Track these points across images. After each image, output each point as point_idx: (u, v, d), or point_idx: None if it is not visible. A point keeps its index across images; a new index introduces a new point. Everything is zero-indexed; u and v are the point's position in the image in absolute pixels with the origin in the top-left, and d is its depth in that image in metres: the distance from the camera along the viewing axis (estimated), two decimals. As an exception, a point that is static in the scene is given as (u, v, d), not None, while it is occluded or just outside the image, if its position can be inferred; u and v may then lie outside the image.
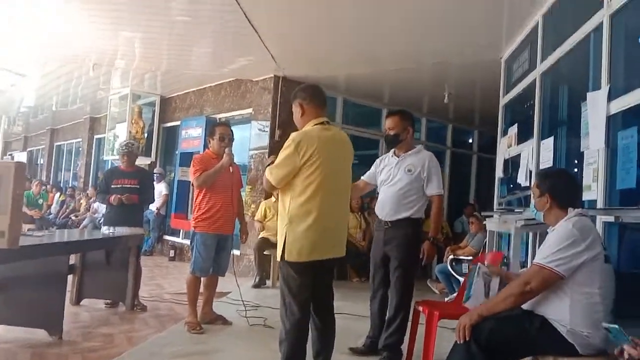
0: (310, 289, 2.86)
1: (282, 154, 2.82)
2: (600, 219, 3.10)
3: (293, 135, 2.85)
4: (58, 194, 12.86)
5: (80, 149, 13.72)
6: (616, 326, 1.96)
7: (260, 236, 6.90)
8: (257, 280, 6.60)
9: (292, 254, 2.79)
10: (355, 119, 8.91)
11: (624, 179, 3.00)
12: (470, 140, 10.56)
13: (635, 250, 3.17)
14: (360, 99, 8.59)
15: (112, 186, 5.11)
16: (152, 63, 7.81)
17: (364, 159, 9.40)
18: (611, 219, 2.98)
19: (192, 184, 4.43)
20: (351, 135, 8.85)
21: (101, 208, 8.33)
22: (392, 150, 3.86)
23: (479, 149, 10.32)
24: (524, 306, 2.33)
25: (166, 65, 7.86)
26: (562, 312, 2.21)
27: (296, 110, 3.01)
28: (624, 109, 3.07)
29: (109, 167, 8.49)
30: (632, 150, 2.94)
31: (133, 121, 9.88)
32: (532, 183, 2.65)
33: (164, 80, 9.05)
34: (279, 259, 2.85)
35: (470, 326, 2.22)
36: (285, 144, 2.83)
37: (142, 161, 9.14)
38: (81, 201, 11.78)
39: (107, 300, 5.09)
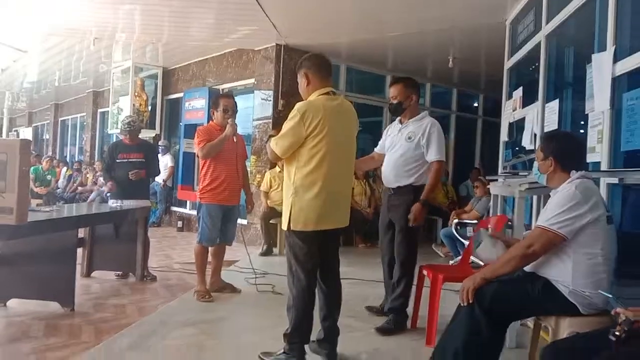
0: (316, 256, 2.90)
1: (288, 124, 2.82)
2: (604, 181, 3.10)
3: (298, 105, 2.84)
4: (65, 168, 12.95)
5: (85, 123, 13.74)
6: (611, 296, 2.02)
7: (265, 208, 6.96)
8: (264, 248, 6.69)
9: (299, 224, 2.82)
10: (359, 86, 8.84)
11: (628, 141, 2.98)
12: (476, 105, 10.47)
13: (638, 211, 3.18)
14: (363, 66, 8.49)
15: (117, 160, 5.15)
16: (153, 35, 7.74)
17: (368, 126, 9.39)
18: (615, 180, 2.98)
19: (197, 155, 4.45)
20: (355, 102, 8.82)
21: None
22: (398, 118, 3.86)
23: (485, 113, 10.25)
24: (527, 268, 2.35)
25: (167, 36, 7.79)
26: (564, 274, 2.23)
27: (301, 80, 3.00)
28: (629, 70, 3.03)
29: (114, 140, 8.52)
30: (637, 112, 2.91)
31: (136, 94, 9.86)
32: (537, 146, 2.64)
33: (165, 52, 8.98)
34: (285, 228, 2.88)
35: (474, 289, 2.25)
36: (291, 114, 2.82)
37: (146, 134, 9.17)
38: (87, 175, 11.86)
39: (118, 272, 5.19)
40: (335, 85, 8.18)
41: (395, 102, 3.77)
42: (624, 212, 3.23)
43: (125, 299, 4.37)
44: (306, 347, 2.92)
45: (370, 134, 9.26)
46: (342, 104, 3.02)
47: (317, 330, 3.00)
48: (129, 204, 5.02)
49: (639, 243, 3.10)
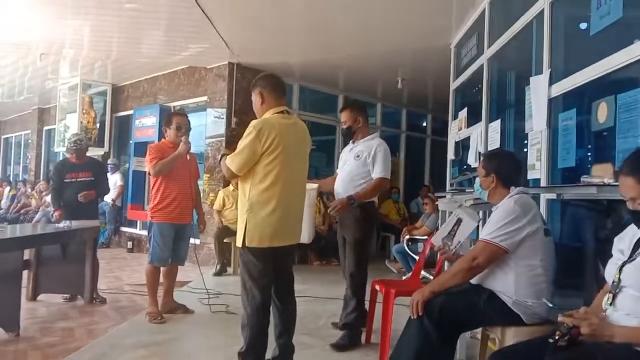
0: (270, 274, 2.92)
1: (243, 141, 2.84)
2: (544, 197, 3.28)
3: (254, 122, 2.88)
4: (8, 188, 12.43)
5: (30, 141, 13.26)
6: (551, 305, 2.17)
7: (219, 225, 6.91)
8: (218, 268, 6.62)
9: (253, 240, 2.83)
10: (312, 105, 8.96)
11: (564, 159, 3.17)
12: (425, 124, 10.80)
13: (575, 225, 3.38)
14: (316, 86, 8.64)
15: (65, 180, 5.01)
16: (102, 51, 7.61)
17: (322, 144, 9.51)
18: (553, 196, 3.15)
19: (148, 174, 4.39)
20: (308, 121, 8.99)
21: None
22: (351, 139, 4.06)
23: (433, 132, 10.58)
24: (473, 281, 2.46)
25: (117, 53, 7.68)
26: (507, 285, 2.35)
27: (256, 99, 3.04)
28: (564, 92, 3.24)
29: (60, 159, 8.27)
30: (571, 132, 3.11)
31: (84, 111, 9.63)
32: (480, 162, 2.79)
33: (115, 68, 8.84)
34: (239, 245, 2.89)
35: (423, 302, 2.33)
36: (246, 132, 2.85)
37: (95, 152, 8.96)
38: (33, 195, 11.42)
39: (65, 295, 5.02)
40: (289, 104, 8.21)
41: (345, 126, 4.00)
42: (563, 226, 3.42)
43: (73, 323, 4.23)
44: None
45: (324, 152, 9.39)
46: (296, 123, 3.09)
47: (272, 348, 3.01)
48: (76, 224, 4.88)
49: (577, 255, 3.29)
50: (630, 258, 1.77)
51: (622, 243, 1.87)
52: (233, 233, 6.10)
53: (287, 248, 3.01)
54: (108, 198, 9.19)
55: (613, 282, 1.81)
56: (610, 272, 1.85)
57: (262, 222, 2.83)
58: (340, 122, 4.24)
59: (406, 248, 6.20)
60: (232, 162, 2.87)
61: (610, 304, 1.79)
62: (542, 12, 3.53)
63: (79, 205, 4.94)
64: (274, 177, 2.83)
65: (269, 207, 2.83)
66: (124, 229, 9.58)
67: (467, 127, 5.19)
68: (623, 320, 1.73)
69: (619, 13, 2.62)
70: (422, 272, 3.98)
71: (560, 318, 1.82)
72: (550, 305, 2.16)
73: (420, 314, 2.33)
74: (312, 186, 3.74)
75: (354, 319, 3.77)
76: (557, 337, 1.73)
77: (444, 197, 4.98)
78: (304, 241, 3.80)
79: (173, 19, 5.84)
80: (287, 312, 3.06)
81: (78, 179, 5.00)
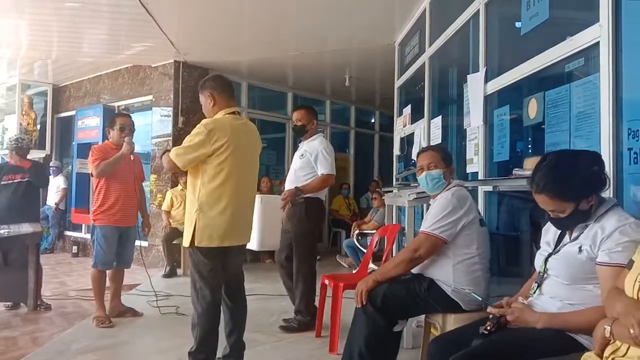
0: (220, 272, 2.93)
1: (193, 138, 2.83)
2: (481, 189, 3.44)
3: (205, 121, 2.89)
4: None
5: (-36, 144, 12.63)
6: (480, 298, 2.33)
7: (167, 227, 6.82)
8: (167, 270, 6.54)
9: (203, 240, 2.83)
10: (262, 103, 8.97)
11: (499, 152, 3.34)
12: (373, 120, 10.99)
13: (512, 215, 3.56)
14: (265, 84, 8.64)
15: (2, 183, 4.82)
16: (41, 51, 7.35)
17: (271, 142, 9.53)
18: (490, 188, 3.31)
19: (91, 175, 4.29)
20: (258, 119, 8.98)
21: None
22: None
23: (381, 129, 10.78)
24: (414, 270, 2.57)
25: (57, 53, 7.43)
26: (446, 273, 2.47)
27: (206, 101, 3.04)
28: (498, 89, 3.40)
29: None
30: (505, 127, 3.28)
31: (23, 112, 9.29)
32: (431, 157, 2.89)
33: (55, 68, 8.55)
34: (187, 244, 2.88)
35: (367, 291, 2.43)
36: (197, 129, 2.85)
37: (36, 154, 8.64)
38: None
39: (7, 303, 4.84)
40: (238, 102, 8.22)
41: (299, 124, 4.19)
42: (499, 216, 3.60)
43: (16, 331, 4.10)
44: (213, 363, 2.94)
45: (274, 150, 9.41)
46: (246, 124, 3.12)
47: (222, 346, 3.03)
48: (16, 229, 4.72)
49: (514, 244, 3.47)
50: (555, 250, 1.89)
51: (548, 235, 1.99)
52: (182, 234, 6.04)
53: (237, 247, 3.04)
54: (51, 202, 8.91)
55: (539, 272, 1.94)
56: (538, 262, 1.98)
57: (212, 222, 2.83)
58: (291, 120, 4.41)
59: (356, 242, 6.32)
60: (176, 155, 2.85)
61: (535, 292, 1.92)
62: (477, 12, 3.69)
63: (19, 206, 4.77)
64: (225, 176, 2.84)
65: (219, 207, 2.84)
66: (68, 233, 9.29)
67: (411, 124, 5.34)
68: (547, 303, 1.85)
69: (545, 14, 2.79)
70: (370, 265, 4.09)
71: (489, 309, 1.96)
72: (480, 298, 2.30)
73: (364, 302, 2.42)
74: (274, 197, 3.93)
75: (305, 306, 3.99)
76: (487, 327, 1.86)
77: (391, 191, 5.12)
78: (253, 248, 3.93)
79: (115, 17, 5.71)
80: (238, 310, 3.09)
81: (14, 181, 4.82)
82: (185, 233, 2.90)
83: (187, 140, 2.86)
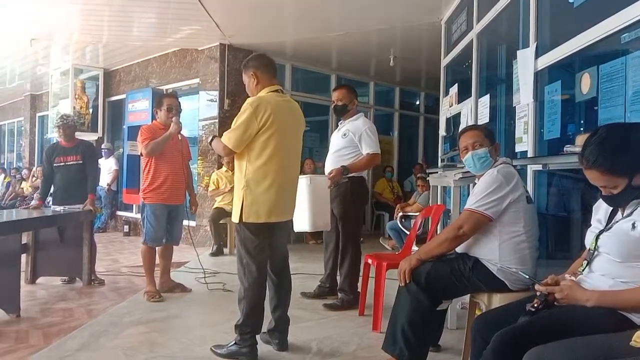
0: (267, 249, 2.99)
1: (240, 117, 2.87)
2: (530, 168, 3.34)
3: (250, 99, 2.92)
4: (2, 175, 12.44)
5: (23, 128, 13.23)
6: (527, 276, 2.26)
7: (214, 206, 6.97)
8: (214, 249, 6.71)
9: (251, 216, 2.88)
10: (305, 85, 8.97)
11: (550, 130, 3.23)
12: (417, 102, 10.82)
13: (560, 195, 3.45)
14: (308, 65, 8.62)
15: (55, 164, 5.00)
16: (92, 36, 7.59)
17: (315, 125, 9.54)
18: (539, 167, 3.22)
19: (140, 154, 4.42)
20: (301, 101, 8.98)
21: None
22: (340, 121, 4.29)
23: (426, 110, 10.60)
24: (458, 249, 2.53)
25: (107, 37, 7.65)
26: (492, 252, 2.42)
27: (249, 80, 3.06)
28: (549, 64, 3.28)
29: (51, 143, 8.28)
30: (556, 104, 3.16)
31: (76, 97, 9.62)
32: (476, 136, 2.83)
33: (106, 52, 8.82)
34: (236, 220, 2.93)
35: (410, 270, 2.42)
36: (243, 108, 2.89)
37: (89, 137, 8.96)
38: (25, 182, 11.43)
39: (64, 277, 5.09)
40: (281, 84, 8.26)
41: (340, 104, 4.18)
42: (549, 196, 3.49)
43: (72, 303, 4.31)
44: (258, 337, 3.00)
45: (317, 132, 9.43)
46: (290, 102, 3.13)
47: (268, 320, 3.09)
48: (72, 208, 4.93)
49: (565, 225, 3.37)
50: (607, 227, 1.83)
51: (599, 212, 1.92)
52: (228, 214, 6.19)
53: (283, 224, 3.08)
54: (103, 183, 9.24)
55: (589, 249, 1.88)
56: (589, 240, 1.91)
57: (258, 198, 2.88)
58: (332, 102, 4.36)
59: (399, 225, 6.28)
60: (228, 139, 2.89)
61: (584, 270, 1.86)
62: (528, -14, 3.56)
63: (73, 188, 4.95)
64: (270, 153, 2.87)
65: (266, 184, 2.87)
66: (120, 213, 9.64)
67: (458, 103, 5.23)
68: (598, 280, 1.80)
69: (601, -16, 2.66)
70: (414, 247, 4.05)
71: (536, 287, 1.91)
72: (526, 276, 2.24)
73: (408, 281, 2.41)
74: (321, 177, 3.93)
75: (349, 285, 4.03)
76: (534, 304, 1.82)
77: (436, 172, 5.05)
78: (305, 229, 3.98)
79: (164, 1, 5.82)
80: (283, 286, 3.14)
81: (67, 163, 4.99)
82: (234, 209, 2.96)
83: (235, 122, 2.90)
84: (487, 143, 2.65)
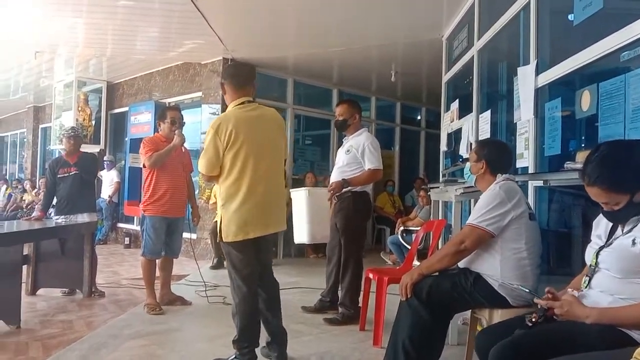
0: (253, 263, 2.98)
1: (205, 142, 2.90)
2: (532, 184, 3.36)
3: (212, 121, 2.96)
4: (4, 187, 12.46)
5: (25, 139, 13.28)
6: (527, 290, 2.27)
7: (215, 219, 6.97)
8: (215, 262, 6.70)
9: (229, 235, 2.89)
10: (307, 99, 9.02)
11: (551, 147, 3.25)
12: (419, 117, 10.87)
13: (563, 212, 3.46)
14: (310, 80, 8.68)
15: (59, 176, 5.03)
16: (96, 49, 7.67)
17: (316, 138, 9.59)
18: (540, 183, 3.23)
19: (143, 166, 4.42)
20: (303, 116, 9.04)
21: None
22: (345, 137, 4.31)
23: (427, 125, 10.64)
24: (460, 264, 2.54)
25: (111, 50, 7.72)
26: (493, 268, 2.43)
27: (222, 91, 3.11)
28: (550, 81, 3.31)
29: (56, 156, 8.31)
30: (557, 120, 3.19)
31: (79, 109, 9.69)
32: (472, 149, 2.87)
33: (109, 65, 8.90)
34: (218, 240, 2.97)
35: (412, 284, 2.42)
36: (207, 132, 2.91)
37: (91, 149, 9.00)
38: (27, 193, 11.45)
39: (64, 289, 5.09)
40: (283, 99, 8.34)
41: (341, 119, 4.21)
42: (550, 212, 3.50)
43: (73, 315, 4.30)
44: (258, 352, 2.99)
45: (318, 146, 9.46)
46: (260, 113, 3.04)
47: (265, 334, 3.09)
48: (74, 219, 4.94)
49: (566, 241, 3.37)
50: (607, 243, 1.84)
51: (599, 228, 1.93)
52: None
53: (269, 236, 3.08)
54: (105, 195, 9.26)
55: (590, 265, 1.88)
56: (589, 256, 1.92)
57: (232, 217, 2.88)
58: (335, 115, 4.38)
59: (400, 239, 6.28)
60: (201, 166, 2.93)
61: (586, 286, 1.87)
62: (528, 4, 3.60)
63: (75, 199, 4.98)
64: (239, 170, 2.87)
65: (237, 201, 2.87)
66: (121, 225, 9.65)
67: (459, 119, 5.27)
68: (597, 297, 1.80)
69: (600, 4, 2.69)
70: (415, 262, 4.06)
71: (535, 300, 1.92)
72: (527, 290, 2.24)
73: (409, 296, 2.41)
74: (321, 190, 3.92)
75: (350, 300, 4.02)
76: (533, 318, 1.83)
77: (437, 187, 5.06)
78: (304, 241, 3.97)
79: (167, 15, 5.89)
80: (272, 297, 3.11)
81: (70, 173, 5.02)
82: (218, 228, 2.97)
83: (204, 146, 2.94)
84: (474, 158, 2.70)
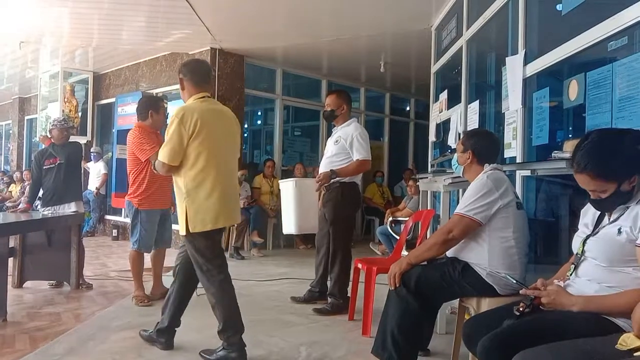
0: (221, 250, 3.01)
1: (168, 131, 2.86)
2: (519, 174, 3.37)
3: (175, 110, 2.91)
4: (-11, 179, 12.31)
5: (11, 131, 13.11)
6: (515, 281, 2.25)
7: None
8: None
9: (197, 225, 2.85)
10: (296, 90, 8.99)
11: (538, 136, 3.27)
12: (407, 108, 10.88)
13: (548, 200, 3.48)
14: (299, 71, 8.64)
15: (45, 167, 4.98)
16: (82, 39, 7.56)
17: (305, 130, 9.57)
18: (528, 172, 3.25)
19: (140, 158, 4.28)
20: (292, 106, 9.00)
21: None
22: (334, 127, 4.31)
23: (416, 116, 10.66)
24: (448, 253, 2.55)
25: (97, 40, 7.62)
26: (481, 257, 2.44)
27: (180, 86, 3.07)
28: (538, 71, 3.32)
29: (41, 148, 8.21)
30: (544, 110, 3.20)
31: (66, 100, 9.56)
32: (459, 139, 2.87)
33: (96, 56, 8.79)
34: (183, 233, 2.90)
35: (400, 274, 2.43)
36: (169, 121, 2.87)
37: (78, 140, 8.88)
38: (14, 185, 11.32)
39: (51, 282, 5.04)
40: (272, 89, 8.31)
41: (328, 109, 4.21)
42: (537, 202, 3.53)
43: (60, 307, 4.26)
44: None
45: (308, 137, 9.44)
46: (221, 108, 3.09)
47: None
48: (62, 210, 4.89)
49: (553, 230, 3.40)
50: (594, 232, 1.85)
51: (586, 216, 1.94)
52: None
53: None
54: (92, 187, 9.18)
55: (577, 254, 1.90)
56: (576, 244, 1.93)
57: (202, 206, 2.85)
58: (324, 105, 4.40)
59: (389, 229, 6.30)
60: (163, 155, 2.86)
61: (571, 273, 1.89)
62: (517, -7, 3.60)
63: (62, 189, 4.93)
64: (205, 159, 2.85)
65: (206, 190, 2.85)
66: (108, 217, 9.58)
67: (448, 109, 5.27)
68: (584, 285, 1.82)
69: (588, -8, 2.70)
70: (404, 252, 4.07)
71: (522, 291, 1.93)
72: (514, 280, 2.26)
73: (397, 285, 2.42)
74: (309, 180, 3.92)
75: (338, 290, 4.04)
76: (520, 308, 1.84)
77: (426, 178, 5.08)
78: (292, 232, 3.93)
79: (154, 4, 5.82)
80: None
81: (56, 163, 4.96)
82: (180, 223, 2.91)
83: (166, 136, 2.88)
84: (461, 149, 2.72)
